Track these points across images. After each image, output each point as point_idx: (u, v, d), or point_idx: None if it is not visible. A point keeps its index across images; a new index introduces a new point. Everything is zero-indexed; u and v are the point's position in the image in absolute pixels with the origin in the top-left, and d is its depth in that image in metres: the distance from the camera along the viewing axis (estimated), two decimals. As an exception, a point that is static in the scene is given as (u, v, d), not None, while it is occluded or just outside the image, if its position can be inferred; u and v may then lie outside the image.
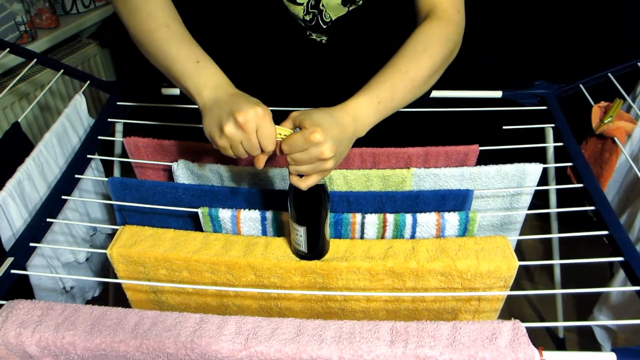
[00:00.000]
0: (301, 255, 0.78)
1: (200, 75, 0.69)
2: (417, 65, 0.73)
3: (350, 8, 0.85)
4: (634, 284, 0.73)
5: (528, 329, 0.64)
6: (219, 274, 0.80)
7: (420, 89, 0.75)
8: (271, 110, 0.75)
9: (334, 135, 0.64)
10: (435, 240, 0.81)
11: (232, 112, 0.63)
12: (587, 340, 1.51)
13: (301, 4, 0.84)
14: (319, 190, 0.70)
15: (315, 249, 0.77)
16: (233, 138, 0.63)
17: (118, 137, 1.11)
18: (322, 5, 0.84)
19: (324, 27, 0.87)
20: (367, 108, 0.70)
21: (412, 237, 0.84)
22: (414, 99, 0.75)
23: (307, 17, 0.86)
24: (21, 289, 0.89)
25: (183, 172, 0.96)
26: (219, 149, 0.66)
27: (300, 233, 0.74)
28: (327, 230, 0.77)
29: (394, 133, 0.93)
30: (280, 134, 0.65)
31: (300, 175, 0.66)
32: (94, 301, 1.04)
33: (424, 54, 0.74)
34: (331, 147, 0.63)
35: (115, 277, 0.84)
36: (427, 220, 0.82)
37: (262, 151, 0.65)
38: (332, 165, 0.65)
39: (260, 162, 0.67)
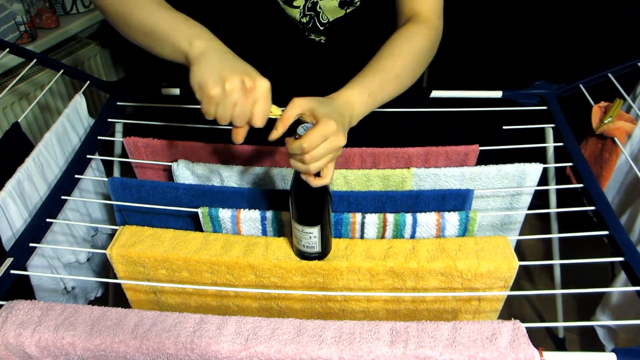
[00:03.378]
0: (302, 255, 0.78)
1: (192, 27, 0.66)
2: (402, 62, 0.76)
3: (348, 10, 0.85)
4: (634, 285, 0.73)
5: (528, 329, 0.64)
6: (219, 274, 0.80)
7: (402, 86, 0.78)
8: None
9: (340, 123, 0.65)
10: (436, 240, 0.81)
11: (242, 71, 0.60)
12: (587, 340, 1.51)
13: (298, 7, 0.84)
14: (322, 189, 0.70)
15: (317, 249, 0.77)
16: (230, 95, 0.59)
17: (118, 137, 1.11)
18: (319, 8, 0.84)
19: (321, 28, 0.87)
20: (359, 99, 0.71)
21: (412, 237, 0.84)
22: (400, 91, 0.78)
23: (304, 20, 0.86)
24: (22, 289, 0.89)
25: (183, 172, 0.96)
26: (203, 102, 0.60)
27: (302, 233, 0.74)
28: (330, 230, 0.77)
29: (394, 133, 0.93)
30: (272, 113, 0.64)
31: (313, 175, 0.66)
32: (95, 302, 1.04)
33: (409, 52, 0.77)
34: (344, 134, 0.64)
35: (115, 278, 0.84)
36: (428, 220, 0.82)
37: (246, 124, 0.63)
38: (340, 152, 0.66)
39: (240, 136, 0.64)
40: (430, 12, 0.81)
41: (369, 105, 0.73)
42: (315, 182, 0.66)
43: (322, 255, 0.78)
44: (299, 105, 0.64)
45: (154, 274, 0.82)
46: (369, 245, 0.80)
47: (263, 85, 0.61)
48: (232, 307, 0.86)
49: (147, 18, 0.68)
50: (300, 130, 0.63)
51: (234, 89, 0.59)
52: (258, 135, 0.71)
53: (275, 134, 0.63)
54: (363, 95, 0.72)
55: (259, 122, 0.62)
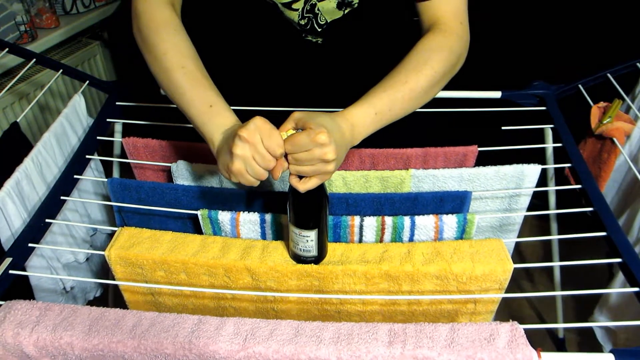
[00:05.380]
0: (298, 259, 0.78)
1: (213, 123, 0.70)
2: (417, 76, 0.73)
3: (346, 11, 0.85)
4: (632, 286, 0.73)
5: (528, 330, 0.64)
6: (217, 276, 0.80)
7: (420, 99, 0.75)
8: (269, 110, 0.75)
9: (337, 139, 0.64)
10: (431, 244, 0.81)
11: (235, 134, 0.63)
12: (587, 341, 1.51)
13: (296, 10, 0.85)
14: (320, 194, 0.70)
15: (314, 253, 0.77)
16: (244, 155, 0.63)
17: (117, 138, 1.11)
18: (318, 9, 0.84)
19: (319, 30, 0.87)
20: (364, 118, 0.70)
21: (411, 239, 0.84)
22: (414, 109, 0.75)
23: (302, 22, 0.86)
24: (21, 289, 0.89)
25: (182, 173, 0.96)
26: (240, 180, 0.66)
27: (299, 236, 0.74)
28: (326, 234, 0.77)
29: (393, 134, 0.93)
30: (283, 135, 0.65)
31: (300, 178, 0.66)
32: (95, 302, 1.04)
33: (425, 65, 0.74)
34: (334, 149, 0.63)
35: (114, 279, 0.84)
36: (426, 223, 0.82)
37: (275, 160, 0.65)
38: (333, 169, 0.65)
39: (277, 172, 0.66)
40: (451, 17, 0.77)
41: (374, 124, 0.71)
42: (294, 183, 0.66)
43: (318, 259, 0.78)
44: (292, 119, 0.66)
45: (151, 275, 0.82)
46: (365, 249, 0.80)
47: (255, 123, 0.63)
48: (228, 309, 0.86)
49: (178, 98, 0.73)
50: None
51: (240, 149, 0.63)
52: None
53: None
54: (369, 114, 0.70)
55: (277, 150, 0.63)
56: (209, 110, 0.71)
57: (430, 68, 0.73)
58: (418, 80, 0.73)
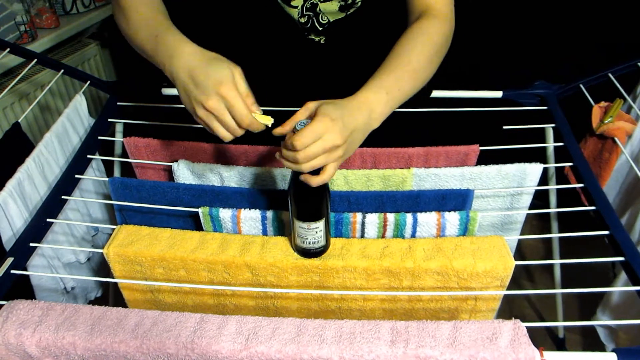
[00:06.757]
0: (308, 253, 0.77)
1: (159, 53, 0.71)
2: (417, 57, 0.76)
3: (349, 12, 0.85)
4: (634, 284, 0.73)
5: (528, 329, 0.64)
6: (216, 273, 0.80)
7: (421, 80, 0.77)
8: (270, 110, 0.75)
9: (345, 123, 0.64)
10: (432, 240, 0.81)
11: (199, 100, 0.65)
12: (587, 340, 1.51)
13: (295, 7, 0.85)
14: (321, 185, 0.70)
15: (323, 243, 0.76)
16: (206, 119, 0.66)
17: (118, 137, 1.11)
18: (319, 9, 0.85)
19: (320, 29, 0.88)
20: (377, 99, 0.70)
21: (413, 236, 0.84)
22: (417, 90, 0.77)
23: (302, 20, 0.86)
24: (22, 289, 0.89)
25: (183, 172, 0.96)
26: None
27: (308, 230, 0.73)
28: (329, 226, 0.77)
29: (395, 133, 0.93)
30: (258, 118, 0.66)
31: (311, 173, 0.66)
32: (95, 302, 1.04)
33: (423, 46, 0.76)
34: (339, 135, 0.63)
35: (113, 278, 0.84)
36: (428, 220, 0.82)
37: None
38: (342, 153, 0.65)
39: (256, 125, 0.67)
40: (442, 5, 0.81)
41: (389, 103, 0.72)
42: (313, 181, 0.66)
43: (325, 248, 0.78)
44: (308, 108, 0.66)
45: (150, 273, 0.82)
46: (365, 245, 0.80)
47: (217, 99, 0.64)
48: (229, 305, 0.86)
49: (137, 43, 0.76)
50: (297, 126, 0.64)
51: (204, 115, 0.66)
52: (258, 136, 0.72)
53: (279, 130, 0.66)
54: (379, 94, 0.71)
55: (244, 122, 0.65)
56: (155, 41, 0.72)
57: (428, 51, 0.77)
58: (419, 61, 0.76)
